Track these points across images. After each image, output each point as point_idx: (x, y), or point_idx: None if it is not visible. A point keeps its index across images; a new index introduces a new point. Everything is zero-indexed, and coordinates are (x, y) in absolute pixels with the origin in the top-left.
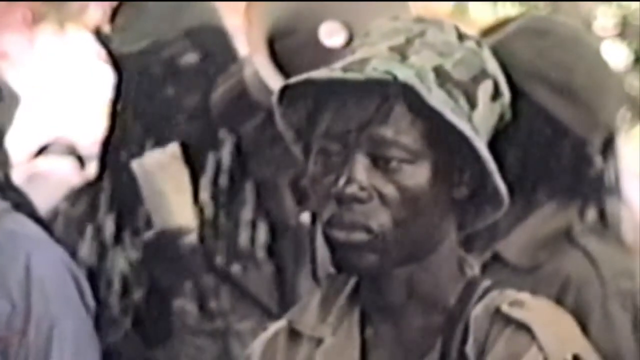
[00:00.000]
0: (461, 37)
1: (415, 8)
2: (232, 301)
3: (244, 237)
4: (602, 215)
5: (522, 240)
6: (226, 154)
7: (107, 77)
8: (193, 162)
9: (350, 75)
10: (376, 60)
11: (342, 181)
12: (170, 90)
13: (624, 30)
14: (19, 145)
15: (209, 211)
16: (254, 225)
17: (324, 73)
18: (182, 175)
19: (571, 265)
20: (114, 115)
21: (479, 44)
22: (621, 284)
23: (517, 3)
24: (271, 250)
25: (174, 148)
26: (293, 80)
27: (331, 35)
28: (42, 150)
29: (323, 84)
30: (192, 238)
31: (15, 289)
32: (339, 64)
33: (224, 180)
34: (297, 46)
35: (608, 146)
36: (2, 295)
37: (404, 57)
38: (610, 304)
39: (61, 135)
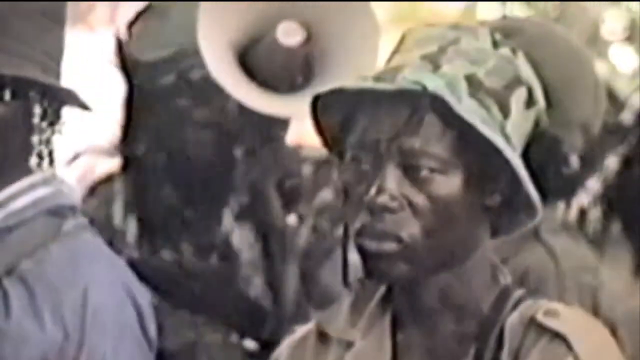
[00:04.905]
0: (496, 44)
1: (423, 11)
2: None
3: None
4: (582, 214)
5: (493, 240)
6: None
7: (118, 82)
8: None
9: (381, 86)
10: (408, 69)
11: (373, 191)
12: (183, 101)
13: (633, 34)
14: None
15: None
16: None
17: (356, 83)
18: None
19: (531, 259)
20: (127, 121)
21: (514, 51)
22: (581, 278)
23: (525, 5)
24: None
25: None
26: (324, 90)
27: (288, 35)
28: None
29: (356, 92)
30: None
31: (69, 317)
32: (372, 73)
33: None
34: (261, 54)
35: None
36: (56, 321)
37: (436, 66)
38: (567, 297)
39: (93, 140)
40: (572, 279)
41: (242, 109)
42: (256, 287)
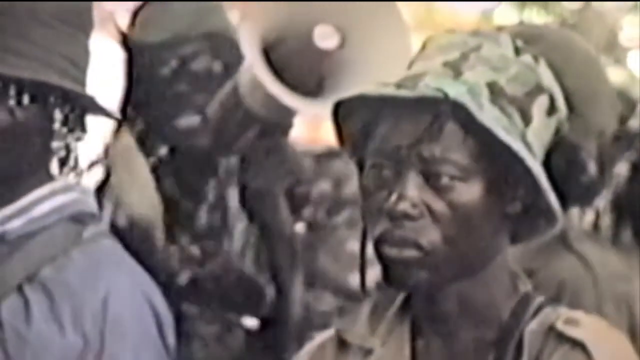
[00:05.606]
0: (518, 50)
1: (441, 17)
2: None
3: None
4: (597, 220)
5: (518, 248)
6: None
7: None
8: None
9: (402, 93)
10: (429, 76)
11: (393, 198)
12: (181, 86)
13: None
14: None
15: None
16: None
17: (377, 89)
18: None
19: (566, 270)
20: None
21: (535, 58)
22: (617, 287)
23: (543, 11)
24: (266, 259)
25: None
26: (346, 96)
27: (324, 38)
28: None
29: (377, 99)
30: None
31: (89, 324)
32: (393, 80)
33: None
34: (291, 53)
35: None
36: (76, 328)
37: (457, 73)
38: (605, 306)
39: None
40: (609, 287)
41: (247, 109)
42: (250, 266)
